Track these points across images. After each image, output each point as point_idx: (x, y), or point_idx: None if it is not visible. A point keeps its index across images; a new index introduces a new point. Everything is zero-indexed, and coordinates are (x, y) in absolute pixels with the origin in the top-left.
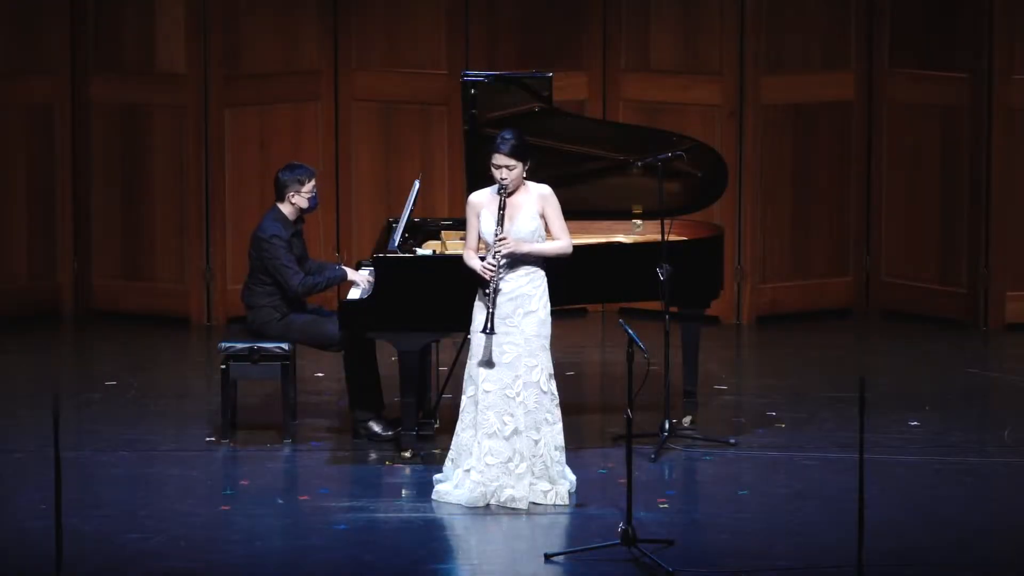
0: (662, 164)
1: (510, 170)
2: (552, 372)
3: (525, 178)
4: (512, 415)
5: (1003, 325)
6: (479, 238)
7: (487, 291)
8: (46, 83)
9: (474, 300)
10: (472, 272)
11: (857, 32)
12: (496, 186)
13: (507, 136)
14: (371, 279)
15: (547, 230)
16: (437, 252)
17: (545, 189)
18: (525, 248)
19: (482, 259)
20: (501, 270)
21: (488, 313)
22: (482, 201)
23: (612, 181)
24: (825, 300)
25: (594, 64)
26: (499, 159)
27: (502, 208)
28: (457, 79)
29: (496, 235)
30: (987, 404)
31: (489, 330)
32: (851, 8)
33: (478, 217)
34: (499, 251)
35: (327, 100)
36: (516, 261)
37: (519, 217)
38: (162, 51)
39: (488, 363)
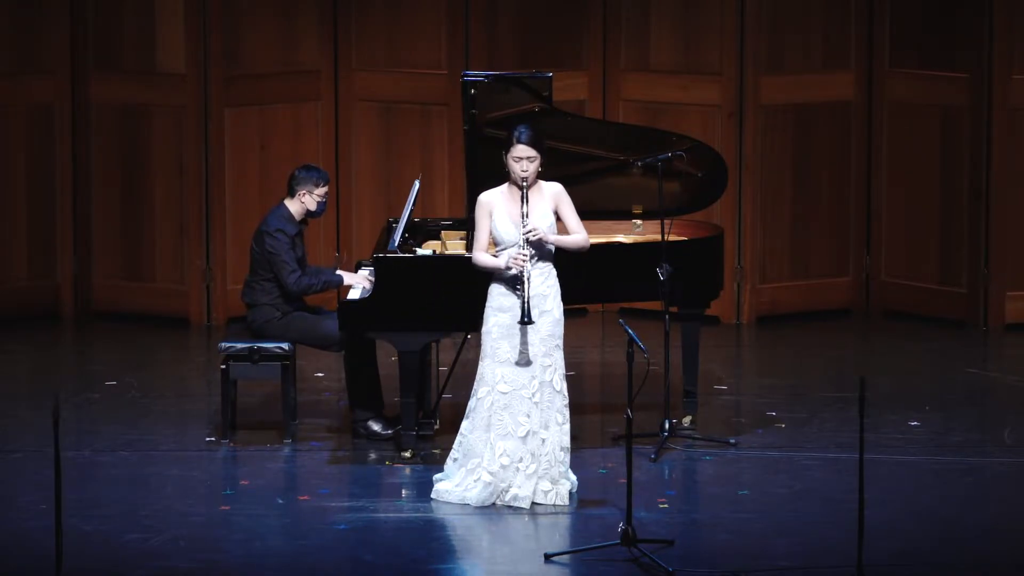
0: (662, 164)
1: (531, 161)
2: (564, 372)
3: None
4: (528, 416)
5: (1003, 325)
6: (490, 238)
7: (518, 284)
8: (46, 83)
9: (473, 300)
10: (479, 272)
11: (857, 32)
12: (506, 185)
13: (524, 128)
14: (370, 279)
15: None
16: (437, 252)
17: (557, 187)
18: (552, 239)
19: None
20: (529, 260)
21: (523, 302)
22: (493, 201)
23: (612, 181)
24: (825, 300)
25: (594, 64)
26: (522, 150)
27: (526, 200)
28: (457, 79)
29: (524, 226)
30: (987, 404)
31: (527, 319)
32: (851, 8)
33: (490, 216)
34: (529, 238)
35: (327, 100)
36: (534, 259)
37: (533, 214)
38: (162, 51)
39: (525, 359)
